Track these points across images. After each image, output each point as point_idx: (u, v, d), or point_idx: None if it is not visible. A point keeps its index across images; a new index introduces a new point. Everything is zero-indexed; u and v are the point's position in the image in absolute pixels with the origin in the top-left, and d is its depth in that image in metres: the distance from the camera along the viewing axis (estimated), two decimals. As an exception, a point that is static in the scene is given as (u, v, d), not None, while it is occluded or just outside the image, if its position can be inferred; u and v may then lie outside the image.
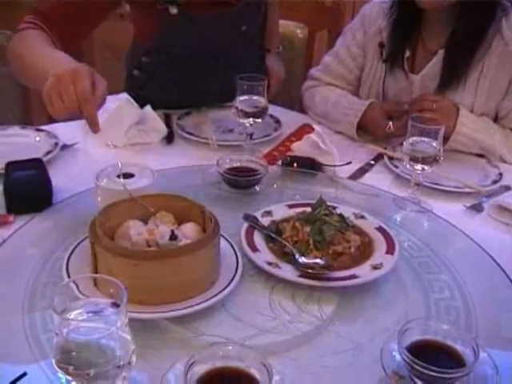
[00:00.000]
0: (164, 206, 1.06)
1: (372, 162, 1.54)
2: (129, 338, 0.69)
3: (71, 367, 0.69)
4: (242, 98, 1.49)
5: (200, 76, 1.67)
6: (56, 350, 0.68)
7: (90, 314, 0.70)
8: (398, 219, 1.31)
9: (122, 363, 0.69)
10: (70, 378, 0.70)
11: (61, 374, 0.70)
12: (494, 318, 1.02)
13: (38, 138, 1.52)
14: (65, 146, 1.51)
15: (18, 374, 0.80)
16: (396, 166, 1.48)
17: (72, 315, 0.69)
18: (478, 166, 1.53)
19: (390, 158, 1.51)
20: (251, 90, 1.48)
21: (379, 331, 0.96)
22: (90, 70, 1.14)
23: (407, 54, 1.62)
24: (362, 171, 1.50)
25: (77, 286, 0.81)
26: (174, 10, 1.53)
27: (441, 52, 1.57)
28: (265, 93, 1.49)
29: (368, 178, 1.48)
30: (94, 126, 1.12)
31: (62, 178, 1.35)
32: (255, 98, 1.49)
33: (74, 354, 0.68)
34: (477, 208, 1.35)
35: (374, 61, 1.68)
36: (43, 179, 1.27)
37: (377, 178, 1.47)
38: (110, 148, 1.54)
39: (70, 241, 1.10)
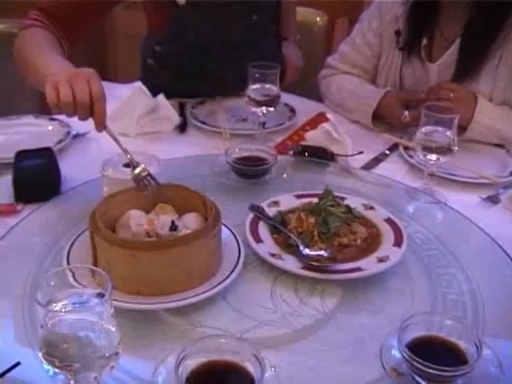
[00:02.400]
0: (165, 195, 1.04)
1: (387, 152, 1.50)
2: (114, 329, 0.68)
3: (57, 360, 0.67)
4: (254, 86, 1.46)
5: (213, 65, 1.65)
6: (42, 342, 0.67)
7: (76, 305, 0.68)
8: (410, 210, 1.27)
9: (107, 354, 0.67)
10: (57, 370, 0.69)
11: (47, 367, 0.69)
12: (503, 314, 0.98)
13: (50, 127, 1.52)
14: (77, 135, 1.50)
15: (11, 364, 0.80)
16: (411, 156, 1.44)
17: (57, 307, 0.67)
18: (496, 156, 1.48)
19: (406, 148, 1.47)
20: (263, 78, 1.45)
21: (382, 326, 0.93)
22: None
23: (424, 42, 1.57)
24: (376, 161, 1.46)
25: (73, 275, 0.80)
26: (182, 1, 1.52)
27: (458, 40, 1.52)
28: (277, 81, 1.46)
29: (382, 168, 1.44)
30: (101, 125, 1.10)
31: (72, 167, 1.35)
32: (267, 86, 1.47)
33: (59, 346, 0.66)
34: (493, 200, 1.31)
35: (391, 49, 1.64)
36: (52, 168, 1.27)
37: (391, 168, 1.43)
38: (121, 136, 1.52)
39: (75, 230, 1.09)
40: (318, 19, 2.20)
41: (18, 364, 0.80)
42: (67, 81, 1.07)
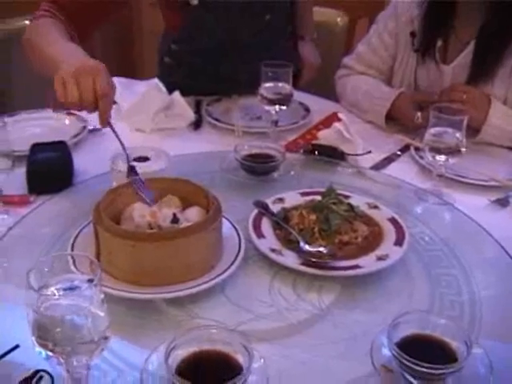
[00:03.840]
0: (169, 189, 1.07)
1: (398, 153, 1.50)
2: (102, 314, 0.70)
3: (49, 343, 0.70)
4: (267, 84, 1.48)
5: (227, 63, 1.67)
6: (34, 326, 0.70)
7: (67, 291, 0.71)
8: (417, 211, 1.27)
9: (96, 339, 0.70)
10: (49, 353, 0.71)
11: (39, 350, 0.71)
12: (500, 318, 0.98)
13: (67, 121, 1.56)
14: (93, 130, 1.54)
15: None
16: (421, 157, 1.44)
17: (49, 291, 0.70)
18: (508, 159, 1.47)
19: (417, 149, 1.47)
20: (276, 76, 1.47)
21: (377, 323, 0.92)
22: (107, 69, 1.15)
23: (439, 43, 1.57)
24: (387, 161, 1.47)
25: (73, 261, 0.82)
26: (194, 2, 1.54)
27: (473, 43, 1.51)
28: (290, 80, 1.47)
29: (392, 169, 1.44)
30: (103, 122, 1.13)
31: (86, 161, 1.39)
32: (280, 84, 1.48)
33: (49, 330, 0.69)
34: (502, 203, 1.30)
35: (406, 50, 1.64)
36: (65, 161, 1.30)
37: (401, 169, 1.43)
38: (136, 132, 1.56)
39: (83, 221, 1.12)
40: (338, 20, 2.21)
41: (17, 347, 0.83)
42: (74, 77, 1.09)
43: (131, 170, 1.11)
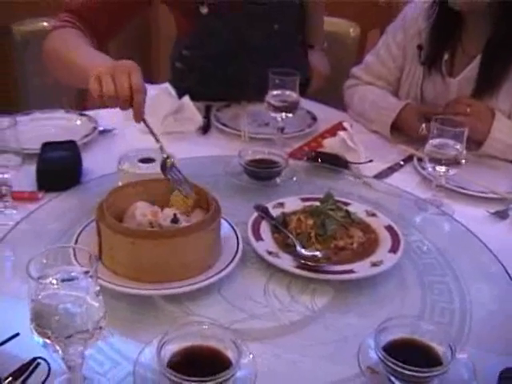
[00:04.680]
0: (170, 190, 1.10)
1: (401, 163, 1.53)
2: (97, 305, 0.73)
3: (48, 331, 0.73)
4: (274, 92, 1.51)
5: (236, 71, 1.71)
6: (32, 314, 0.74)
7: (65, 281, 0.74)
8: (416, 220, 1.29)
9: (90, 328, 0.73)
10: (47, 341, 0.75)
11: (38, 339, 0.75)
12: (490, 328, 0.99)
13: (78, 122, 1.61)
14: (103, 131, 1.58)
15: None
16: (423, 168, 1.46)
17: (47, 281, 0.74)
18: (510, 172, 1.49)
19: (419, 160, 1.50)
20: (283, 84, 1.50)
21: (367, 327, 0.95)
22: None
23: (445, 57, 1.59)
24: (389, 171, 1.49)
25: (74, 254, 0.86)
26: (204, 10, 1.59)
27: (479, 57, 1.53)
28: (296, 88, 1.51)
29: (394, 178, 1.47)
30: (139, 116, 1.14)
31: (95, 161, 1.43)
32: (287, 92, 1.51)
33: (46, 318, 0.72)
34: (501, 215, 1.32)
35: (413, 63, 1.67)
36: (73, 160, 1.35)
37: (403, 179, 1.46)
38: (146, 134, 1.60)
39: (88, 218, 1.16)
40: (351, 30, 2.24)
41: (17, 335, 0.87)
42: (110, 74, 1.12)
43: (165, 164, 1.13)
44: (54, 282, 0.73)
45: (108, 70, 1.13)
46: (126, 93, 1.12)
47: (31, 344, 0.79)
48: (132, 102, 1.13)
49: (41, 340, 0.75)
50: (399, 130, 1.64)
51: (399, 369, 0.82)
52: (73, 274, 0.75)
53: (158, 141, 1.15)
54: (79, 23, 1.42)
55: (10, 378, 0.80)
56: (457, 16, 1.54)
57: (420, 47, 1.63)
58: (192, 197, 1.09)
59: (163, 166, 1.13)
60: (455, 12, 1.51)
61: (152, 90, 1.70)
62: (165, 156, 1.14)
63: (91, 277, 0.73)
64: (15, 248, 1.14)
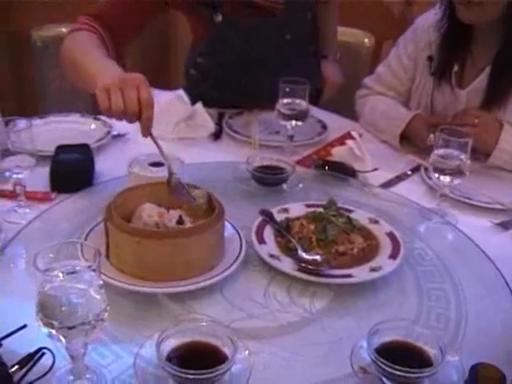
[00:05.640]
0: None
1: (409, 172, 1.57)
2: (99, 297, 0.79)
3: (52, 321, 0.79)
4: (284, 100, 1.56)
5: (249, 79, 1.76)
6: (38, 306, 0.79)
7: (69, 274, 0.80)
8: (419, 229, 1.33)
9: (92, 320, 0.78)
10: (52, 331, 0.80)
11: (44, 329, 0.80)
12: (484, 336, 1.02)
13: (93, 126, 1.67)
14: (117, 136, 1.64)
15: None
16: (430, 178, 1.49)
17: (53, 274, 0.79)
18: (517, 183, 1.52)
19: (426, 170, 1.53)
20: (293, 93, 1.55)
21: (363, 329, 0.99)
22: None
23: (455, 68, 1.63)
24: (396, 180, 1.53)
25: (81, 250, 0.91)
26: (218, 18, 1.64)
27: (488, 68, 1.57)
28: (306, 96, 1.55)
29: (401, 187, 1.50)
30: (147, 131, 1.17)
31: (107, 164, 1.49)
32: (297, 101, 1.56)
33: (51, 309, 0.78)
34: (505, 225, 1.35)
35: (424, 74, 1.70)
36: (86, 163, 1.41)
37: (410, 188, 1.50)
38: (158, 140, 1.65)
39: (98, 219, 1.21)
40: (365, 40, 2.28)
41: (24, 326, 0.92)
42: (118, 87, 1.14)
43: (170, 180, 1.15)
44: (60, 274, 0.78)
45: (117, 83, 1.14)
46: (135, 108, 1.13)
47: (38, 336, 0.85)
48: (140, 117, 1.15)
49: (46, 330, 0.81)
50: (408, 140, 1.67)
51: (390, 369, 0.86)
52: (77, 267, 0.81)
53: (164, 157, 1.17)
54: (98, 27, 1.47)
55: (17, 367, 0.86)
56: (467, 28, 1.57)
57: (430, 58, 1.66)
58: (198, 205, 1.13)
59: (169, 183, 1.16)
60: (465, 24, 1.55)
61: (166, 96, 1.77)
62: (171, 173, 1.16)
63: (94, 270, 0.78)
64: (28, 246, 1.20)
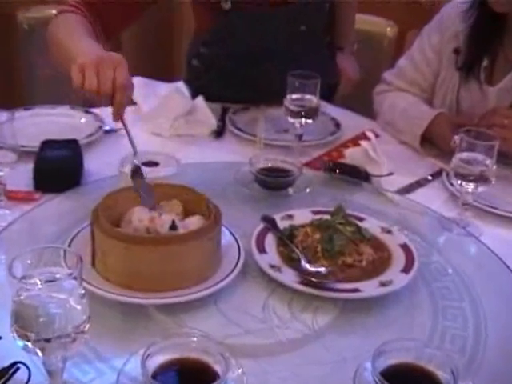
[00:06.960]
0: (169, 195, 1.18)
1: (429, 178, 1.58)
2: (79, 307, 0.81)
3: (27, 333, 0.81)
4: (293, 96, 1.58)
5: (257, 73, 1.78)
6: (13, 315, 0.81)
7: (48, 283, 0.82)
8: (438, 241, 1.35)
9: (71, 332, 0.81)
10: (27, 343, 0.82)
11: (18, 340, 0.83)
12: (504, 361, 1.03)
13: (83, 120, 1.70)
14: (109, 131, 1.67)
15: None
16: (452, 184, 1.51)
17: (31, 281, 0.82)
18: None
19: (448, 175, 1.54)
20: (303, 88, 1.56)
21: (369, 349, 1.00)
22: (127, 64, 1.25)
23: (485, 63, 1.64)
24: (415, 186, 1.55)
25: (64, 256, 0.94)
26: (226, 6, 1.66)
27: (522, 64, 1.58)
28: (317, 92, 1.57)
29: (419, 194, 1.52)
30: (118, 115, 1.22)
31: (98, 161, 1.52)
32: (307, 96, 1.58)
33: (27, 319, 0.80)
34: (534, 239, 1.36)
35: (449, 68, 1.71)
36: (74, 160, 1.44)
37: (429, 195, 1.51)
38: (154, 136, 1.69)
39: (86, 222, 1.24)
40: (388, 30, 2.30)
41: (-1, 338, 0.95)
42: (94, 66, 1.19)
43: (136, 171, 1.21)
44: (38, 282, 0.81)
45: (93, 62, 1.19)
46: (108, 89, 1.18)
47: (12, 349, 0.87)
48: (113, 99, 1.19)
49: (21, 343, 0.83)
50: (430, 141, 1.69)
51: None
52: (57, 275, 0.83)
53: (133, 147, 1.22)
54: (88, 12, 1.50)
55: (-11, 382, 0.88)
56: (498, 18, 1.58)
57: (457, 51, 1.67)
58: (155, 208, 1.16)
59: (133, 174, 1.20)
60: (497, 13, 1.55)
61: (165, 88, 1.79)
62: (136, 164, 1.21)
63: (75, 278, 0.80)
64: (7, 250, 1.22)
